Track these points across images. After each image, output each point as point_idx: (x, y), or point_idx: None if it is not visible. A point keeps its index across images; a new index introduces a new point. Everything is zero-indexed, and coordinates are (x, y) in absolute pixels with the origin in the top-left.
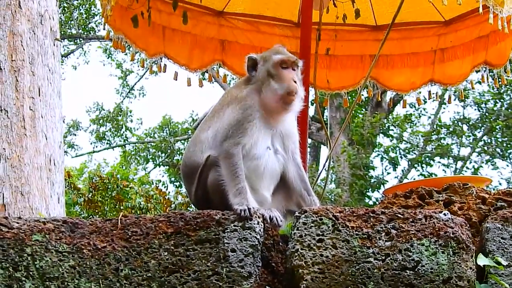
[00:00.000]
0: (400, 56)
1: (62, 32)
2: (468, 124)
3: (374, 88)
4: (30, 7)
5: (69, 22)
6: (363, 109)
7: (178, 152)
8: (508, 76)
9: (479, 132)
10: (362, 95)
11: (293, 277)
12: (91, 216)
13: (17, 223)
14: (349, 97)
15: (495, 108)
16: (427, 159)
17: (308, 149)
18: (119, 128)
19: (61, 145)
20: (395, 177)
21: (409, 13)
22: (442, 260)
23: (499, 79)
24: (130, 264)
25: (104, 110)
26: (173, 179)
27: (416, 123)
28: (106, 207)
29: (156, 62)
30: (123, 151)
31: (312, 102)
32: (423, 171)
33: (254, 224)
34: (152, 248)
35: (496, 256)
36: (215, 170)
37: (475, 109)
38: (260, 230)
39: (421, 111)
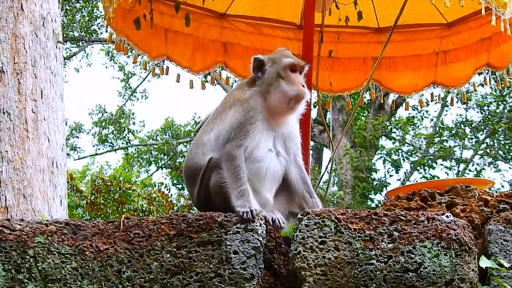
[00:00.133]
0: (403, 58)
1: (65, 35)
2: (470, 127)
3: (376, 91)
4: (32, 10)
5: (72, 24)
6: (366, 112)
7: (181, 155)
8: (510, 78)
9: (481, 135)
10: (365, 97)
11: (296, 279)
12: (93, 219)
13: (20, 225)
14: (352, 100)
15: (497, 111)
16: (429, 161)
17: (311, 152)
18: (122, 130)
19: (63, 148)
20: (398, 180)
21: (412, 15)
22: (445, 262)
23: (502, 81)
24: (132, 266)
25: (106, 112)
26: (175, 181)
27: (418, 126)
28: (108, 210)
29: (158, 64)
30: (125, 153)
31: (315, 104)
32: (425, 173)
33: (257, 226)
34: (155, 250)
35: (498, 258)
36: (217, 172)
37: (478, 112)
38: (262, 232)
39: (423, 114)
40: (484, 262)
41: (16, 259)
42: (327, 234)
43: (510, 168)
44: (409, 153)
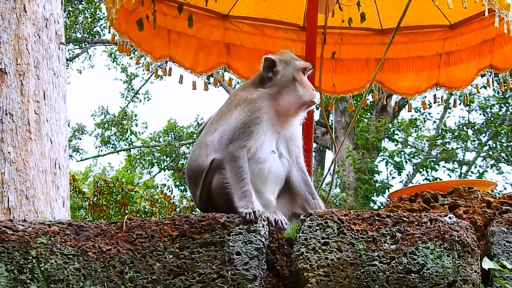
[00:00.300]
0: (406, 59)
1: (67, 36)
2: (473, 129)
3: (379, 92)
4: (35, 11)
5: (74, 26)
6: (368, 114)
7: (183, 156)
8: None
9: (484, 137)
10: (368, 99)
11: (298, 280)
12: (96, 220)
13: (22, 225)
14: (355, 101)
15: (500, 113)
16: (432, 163)
17: (313, 154)
18: (124, 132)
19: (66, 149)
20: (400, 182)
21: (415, 16)
22: (447, 264)
23: (505, 83)
24: (135, 266)
25: (109, 114)
26: (178, 183)
27: (421, 128)
28: (111, 211)
29: (161, 65)
30: (128, 155)
31: (318, 106)
32: (428, 175)
33: (259, 227)
34: (157, 251)
35: (501, 260)
36: (220, 173)
37: (480, 114)
38: (265, 233)
39: (426, 116)
40: (487, 264)
41: (19, 259)
42: (330, 235)
43: None
44: (412, 155)
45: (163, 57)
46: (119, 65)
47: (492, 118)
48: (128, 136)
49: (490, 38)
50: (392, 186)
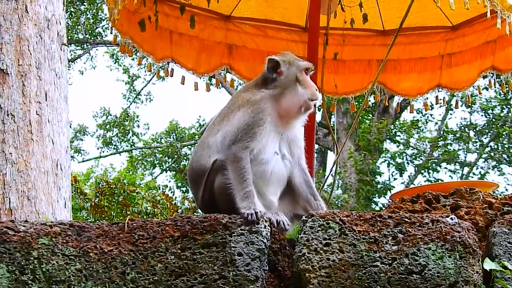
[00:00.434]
0: (408, 61)
1: (69, 37)
2: (474, 130)
3: (381, 93)
4: (37, 12)
5: (76, 27)
6: (370, 115)
7: (185, 157)
8: None
9: (485, 138)
10: (369, 100)
11: (300, 281)
12: (97, 221)
13: (24, 226)
14: (356, 103)
15: (502, 114)
16: (433, 165)
17: (315, 155)
18: (126, 133)
19: (67, 150)
20: (402, 183)
21: (417, 18)
22: (449, 264)
23: (507, 85)
24: (136, 267)
25: (111, 115)
26: (180, 184)
27: (423, 129)
28: (112, 212)
29: (163, 66)
30: (129, 156)
31: (319, 107)
32: (429, 177)
33: (261, 228)
34: (159, 251)
35: (502, 261)
36: (222, 174)
37: (482, 115)
38: (267, 234)
39: (428, 117)
40: (488, 264)
41: (20, 260)
42: (332, 236)
43: None
44: (414, 157)
45: (165, 58)
46: (121, 66)
47: (493, 120)
48: (130, 137)
49: (492, 40)
50: (394, 187)
